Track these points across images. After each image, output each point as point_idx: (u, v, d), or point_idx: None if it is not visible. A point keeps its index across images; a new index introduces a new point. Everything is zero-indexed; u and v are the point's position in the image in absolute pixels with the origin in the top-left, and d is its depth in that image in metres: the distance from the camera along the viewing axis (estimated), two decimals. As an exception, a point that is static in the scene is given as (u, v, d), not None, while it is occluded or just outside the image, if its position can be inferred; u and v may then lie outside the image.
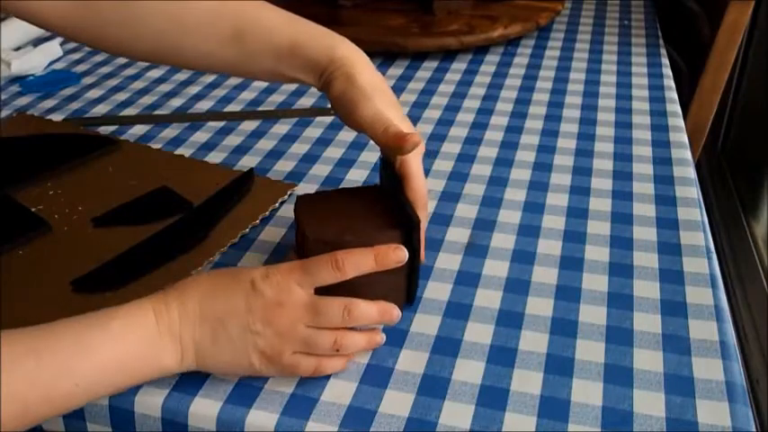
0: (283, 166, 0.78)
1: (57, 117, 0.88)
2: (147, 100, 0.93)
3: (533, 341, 0.55)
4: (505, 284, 0.61)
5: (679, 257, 0.63)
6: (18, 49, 1.04)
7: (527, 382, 0.52)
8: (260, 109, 0.90)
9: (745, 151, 1.53)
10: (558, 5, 1.13)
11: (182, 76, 0.99)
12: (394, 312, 0.52)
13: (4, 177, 0.73)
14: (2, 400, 0.41)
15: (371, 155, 0.79)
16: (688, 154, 0.80)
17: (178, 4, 0.60)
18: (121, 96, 0.94)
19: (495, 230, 0.67)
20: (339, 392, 0.51)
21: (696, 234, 0.66)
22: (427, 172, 0.76)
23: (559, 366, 0.53)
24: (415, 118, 0.87)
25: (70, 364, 0.44)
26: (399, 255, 0.51)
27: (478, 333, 0.56)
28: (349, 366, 0.53)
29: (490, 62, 1.03)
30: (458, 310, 0.58)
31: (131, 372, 0.47)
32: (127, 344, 0.47)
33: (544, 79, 0.97)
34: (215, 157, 0.79)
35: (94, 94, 0.95)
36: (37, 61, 1.00)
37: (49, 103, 0.92)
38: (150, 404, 0.50)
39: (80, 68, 1.02)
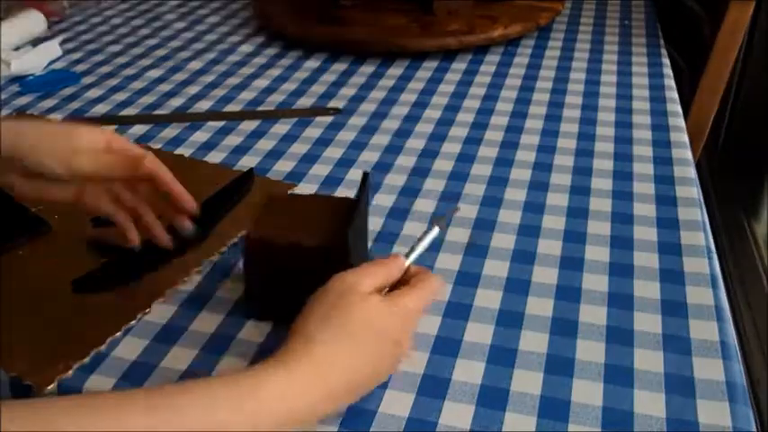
0: (283, 166, 0.78)
1: (56, 117, 0.88)
2: (147, 100, 0.93)
3: (533, 341, 0.55)
4: (505, 284, 0.61)
5: (679, 257, 0.63)
6: (18, 49, 1.04)
7: (527, 382, 0.52)
8: (260, 109, 0.90)
9: (746, 151, 1.53)
10: (558, 5, 1.13)
11: (182, 76, 0.99)
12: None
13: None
14: None
15: (371, 155, 0.79)
16: (688, 154, 0.80)
17: None
18: (121, 96, 0.94)
19: (495, 230, 0.67)
20: (339, 392, 0.51)
21: (696, 234, 0.66)
22: (427, 172, 0.76)
23: (559, 366, 0.53)
24: (415, 118, 0.87)
25: None
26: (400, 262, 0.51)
27: (478, 333, 0.56)
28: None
29: (490, 62, 1.02)
30: (458, 310, 0.58)
31: None
32: None
33: (544, 79, 0.97)
34: (215, 157, 0.79)
35: (94, 93, 0.95)
36: (37, 61, 1.00)
37: (49, 103, 0.92)
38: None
39: (80, 68, 1.02)
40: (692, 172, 0.76)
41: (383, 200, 0.72)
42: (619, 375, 0.52)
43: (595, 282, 0.61)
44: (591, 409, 0.49)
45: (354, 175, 0.76)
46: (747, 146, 1.52)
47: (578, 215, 0.69)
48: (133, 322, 0.57)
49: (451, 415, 0.49)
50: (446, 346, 0.55)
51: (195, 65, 1.03)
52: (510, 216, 0.69)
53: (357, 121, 0.87)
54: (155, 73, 1.00)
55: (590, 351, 0.54)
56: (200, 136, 0.84)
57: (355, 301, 0.46)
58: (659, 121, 0.86)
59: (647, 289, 0.60)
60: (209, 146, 0.82)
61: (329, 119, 0.87)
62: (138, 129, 0.85)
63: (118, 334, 0.56)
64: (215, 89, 0.95)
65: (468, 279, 0.61)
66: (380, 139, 0.82)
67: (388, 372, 0.49)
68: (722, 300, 0.59)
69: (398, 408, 0.50)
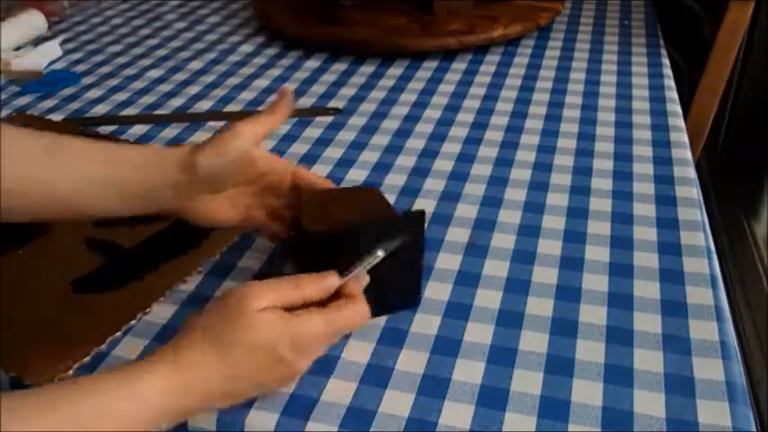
0: (283, 166, 0.78)
1: (56, 117, 0.88)
2: (147, 100, 0.93)
3: (533, 341, 0.55)
4: (505, 284, 0.61)
5: (679, 257, 0.63)
6: (18, 49, 1.04)
7: (527, 382, 0.52)
8: (260, 109, 0.90)
9: (746, 151, 1.53)
10: (558, 5, 1.13)
11: (182, 76, 0.99)
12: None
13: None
14: None
15: (371, 155, 0.79)
16: (688, 154, 0.80)
17: None
18: (121, 96, 0.94)
19: (495, 230, 0.67)
20: (339, 392, 0.51)
21: (696, 234, 0.66)
22: (427, 172, 0.76)
23: (559, 366, 0.53)
24: (415, 118, 0.87)
25: None
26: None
27: (478, 333, 0.56)
28: (349, 366, 0.53)
29: (490, 62, 1.03)
30: (458, 310, 0.58)
31: None
32: None
33: (544, 79, 0.97)
34: (215, 157, 0.79)
35: (94, 93, 0.95)
36: (37, 61, 1.00)
37: (49, 103, 0.92)
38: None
39: (80, 68, 1.02)
40: (691, 172, 0.76)
41: (383, 200, 0.72)
42: (619, 375, 0.52)
43: (595, 282, 0.61)
44: (591, 409, 0.49)
45: (354, 174, 0.76)
46: (747, 146, 1.52)
47: (578, 215, 0.69)
48: (133, 322, 0.57)
49: (451, 415, 0.49)
50: (446, 346, 0.55)
51: (196, 65, 1.03)
52: (510, 216, 0.69)
53: (357, 121, 0.87)
54: (155, 73, 1.00)
55: (590, 351, 0.54)
56: (201, 136, 0.84)
57: (245, 315, 0.46)
58: (659, 121, 0.86)
59: (646, 289, 0.60)
60: (209, 146, 0.81)
61: (329, 119, 0.87)
62: (139, 129, 0.85)
63: (118, 334, 0.56)
64: (215, 89, 0.95)
65: (468, 279, 0.61)
66: (380, 139, 0.82)
67: (275, 386, 0.49)
68: (722, 300, 0.59)
69: (398, 408, 0.50)
